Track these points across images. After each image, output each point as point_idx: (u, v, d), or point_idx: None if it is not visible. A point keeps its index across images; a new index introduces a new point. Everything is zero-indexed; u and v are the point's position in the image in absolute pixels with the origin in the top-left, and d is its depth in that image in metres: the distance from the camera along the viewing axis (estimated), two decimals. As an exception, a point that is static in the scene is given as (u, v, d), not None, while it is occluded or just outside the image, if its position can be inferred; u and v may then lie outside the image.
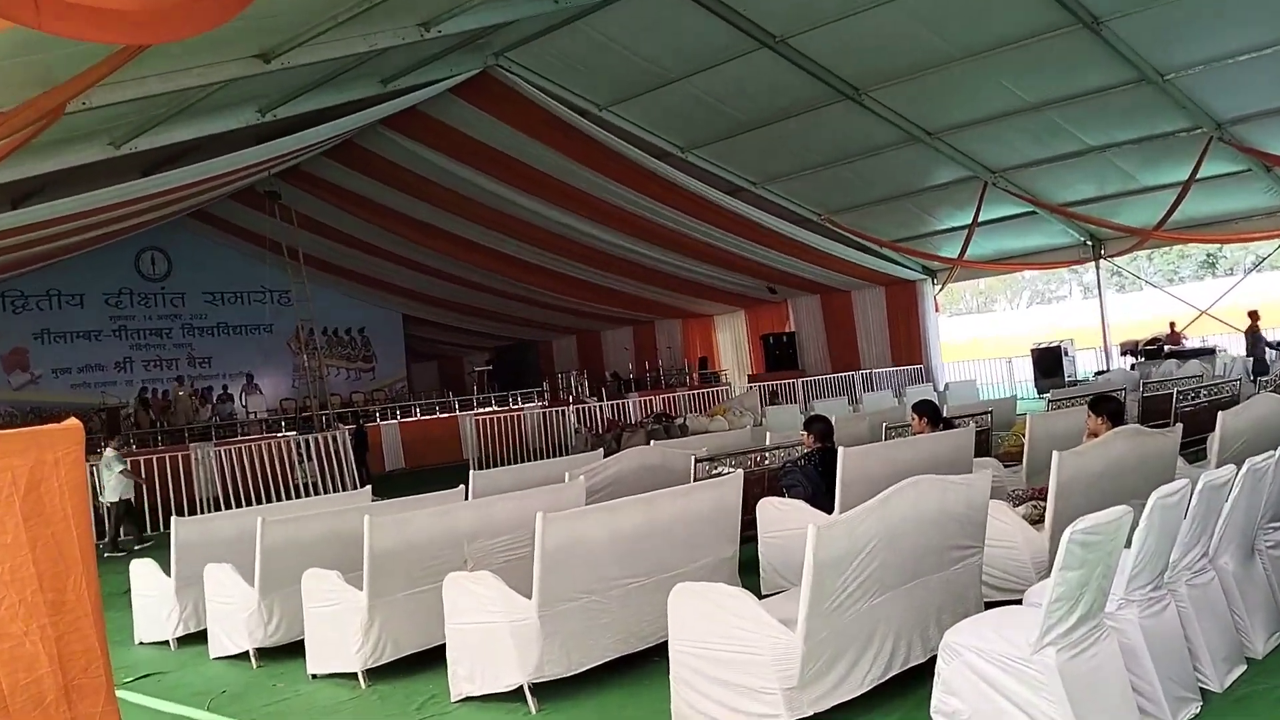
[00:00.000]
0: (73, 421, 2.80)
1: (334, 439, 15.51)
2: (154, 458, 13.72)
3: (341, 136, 16.42)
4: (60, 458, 2.73)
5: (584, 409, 20.06)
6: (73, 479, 2.76)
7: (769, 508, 6.50)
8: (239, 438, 18.66)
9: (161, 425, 20.80)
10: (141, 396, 22.24)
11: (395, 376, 29.59)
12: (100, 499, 12.10)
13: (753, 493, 6.67)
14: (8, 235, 12.66)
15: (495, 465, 16.07)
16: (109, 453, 12.33)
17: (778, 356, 24.12)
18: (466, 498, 6.65)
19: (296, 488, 14.60)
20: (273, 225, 18.59)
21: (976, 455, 7.50)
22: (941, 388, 19.75)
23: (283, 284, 21.67)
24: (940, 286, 22.02)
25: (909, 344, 22.25)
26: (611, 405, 20.60)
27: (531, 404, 23.20)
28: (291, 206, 19.06)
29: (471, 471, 7.50)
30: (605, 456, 8.25)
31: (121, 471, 12.21)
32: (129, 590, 7.39)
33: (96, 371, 24.19)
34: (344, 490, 13.90)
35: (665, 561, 5.15)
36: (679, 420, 17.71)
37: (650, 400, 20.71)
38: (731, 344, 27.07)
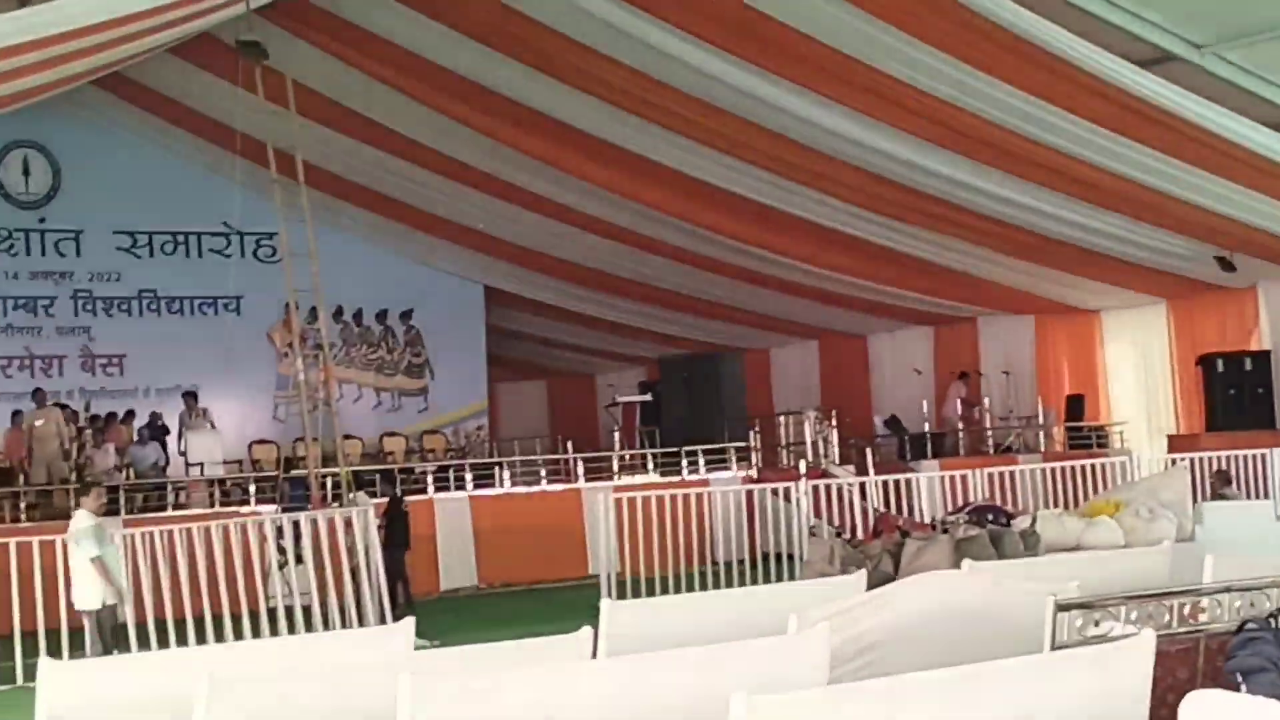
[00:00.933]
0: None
1: (347, 523, 15.92)
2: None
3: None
4: None
5: (829, 488, 20.02)
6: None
7: (1208, 708, 6.36)
8: (169, 514, 19.32)
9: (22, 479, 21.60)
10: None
11: (467, 407, 30.32)
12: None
13: (1175, 677, 6.60)
14: None
15: (652, 591, 16.20)
16: (83, 520, 12.95)
17: (1233, 399, 23.80)
18: (594, 653, 6.73)
19: (272, 613, 15.05)
20: (249, 108, 19.19)
21: None
22: None
23: (264, 220, 22.41)
24: None
25: None
26: (884, 483, 20.46)
27: (724, 473, 23.35)
28: (286, 73, 19.65)
29: (605, 601, 7.59)
30: (870, 586, 8.27)
31: (94, 559, 12.86)
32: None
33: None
34: (362, 624, 14.25)
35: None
36: (1021, 521, 17.45)
37: (963, 476, 20.45)
38: (1135, 368, 26.85)
